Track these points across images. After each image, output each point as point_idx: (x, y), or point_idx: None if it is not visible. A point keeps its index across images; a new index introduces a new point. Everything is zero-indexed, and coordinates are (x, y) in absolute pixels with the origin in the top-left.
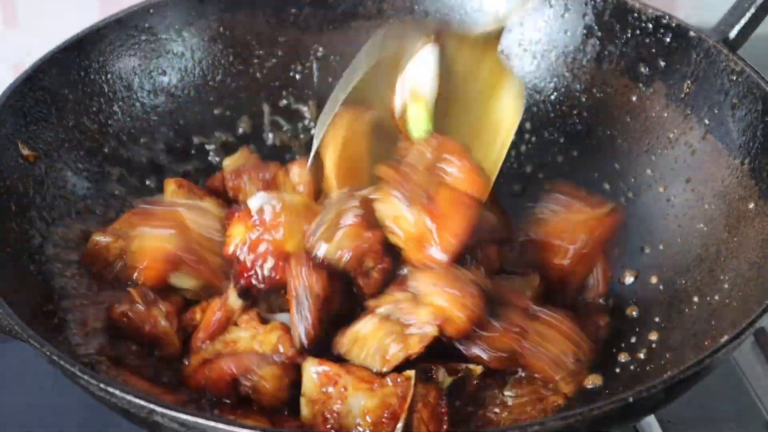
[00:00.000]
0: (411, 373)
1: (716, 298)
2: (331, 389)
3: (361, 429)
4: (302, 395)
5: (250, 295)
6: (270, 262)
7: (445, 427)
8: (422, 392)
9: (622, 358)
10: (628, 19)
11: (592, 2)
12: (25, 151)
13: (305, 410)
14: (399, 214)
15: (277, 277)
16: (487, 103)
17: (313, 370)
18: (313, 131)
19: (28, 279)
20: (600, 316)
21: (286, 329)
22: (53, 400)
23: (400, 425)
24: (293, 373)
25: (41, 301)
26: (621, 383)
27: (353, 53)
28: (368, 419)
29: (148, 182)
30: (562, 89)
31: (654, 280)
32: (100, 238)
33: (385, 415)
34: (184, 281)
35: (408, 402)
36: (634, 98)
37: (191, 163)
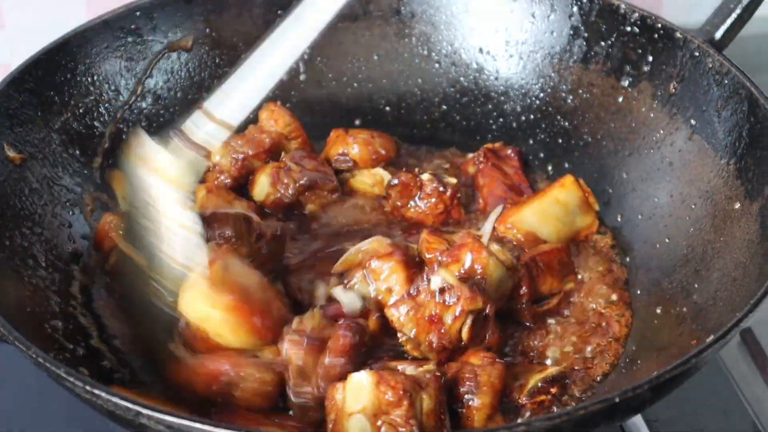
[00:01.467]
0: (431, 366)
1: (702, 298)
2: (390, 396)
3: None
4: (356, 413)
5: None
6: None
7: None
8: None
9: (608, 358)
10: (614, 19)
11: (578, 3)
12: (11, 153)
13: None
14: None
15: None
16: None
17: (370, 380)
18: None
19: (15, 281)
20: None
21: None
22: (43, 402)
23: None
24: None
25: (28, 304)
26: (607, 384)
27: (339, 54)
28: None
29: None
30: (549, 90)
31: (640, 279)
32: (111, 218)
33: (441, 410)
34: None
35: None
36: (620, 99)
37: None
